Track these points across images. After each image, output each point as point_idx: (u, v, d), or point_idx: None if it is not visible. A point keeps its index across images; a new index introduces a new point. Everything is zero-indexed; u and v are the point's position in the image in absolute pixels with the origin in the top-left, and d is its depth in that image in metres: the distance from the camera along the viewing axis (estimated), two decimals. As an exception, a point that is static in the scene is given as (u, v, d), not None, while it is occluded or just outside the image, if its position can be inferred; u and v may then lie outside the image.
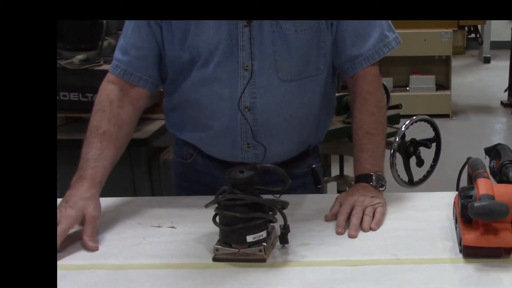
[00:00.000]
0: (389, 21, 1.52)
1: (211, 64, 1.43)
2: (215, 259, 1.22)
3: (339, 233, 1.31)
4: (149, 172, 2.41)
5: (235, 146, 1.49)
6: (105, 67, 2.29)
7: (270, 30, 1.41)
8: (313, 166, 1.63)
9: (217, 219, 1.23)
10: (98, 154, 1.39)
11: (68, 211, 1.28)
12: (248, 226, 1.18)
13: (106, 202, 1.53)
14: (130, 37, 1.48)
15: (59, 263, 1.21)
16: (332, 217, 1.37)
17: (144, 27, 1.46)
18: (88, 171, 1.36)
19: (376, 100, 1.50)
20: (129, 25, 1.49)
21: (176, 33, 1.44)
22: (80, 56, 2.32)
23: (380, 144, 1.48)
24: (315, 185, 1.63)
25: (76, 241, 1.33)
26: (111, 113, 1.44)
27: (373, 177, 1.43)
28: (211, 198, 1.54)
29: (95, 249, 1.27)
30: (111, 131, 1.42)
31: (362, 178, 1.44)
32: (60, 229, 1.25)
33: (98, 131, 1.41)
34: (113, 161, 1.43)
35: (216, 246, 1.22)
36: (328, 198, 1.50)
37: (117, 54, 1.50)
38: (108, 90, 1.48)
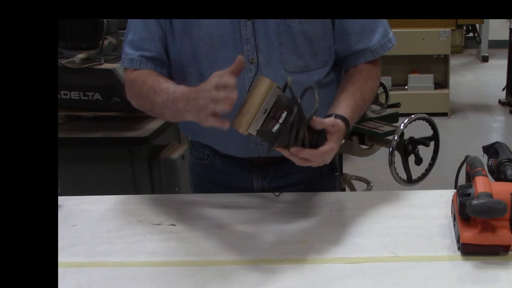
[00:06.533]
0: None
1: (215, 58, 1.42)
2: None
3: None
4: (150, 170, 2.41)
5: (249, 140, 1.48)
6: (105, 65, 2.30)
7: (274, 23, 1.41)
8: None
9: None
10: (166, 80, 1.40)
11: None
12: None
13: (107, 200, 1.54)
14: (141, 31, 1.46)
15: (60, 260, 1.21)
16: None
17: (152, 20, 1.44)
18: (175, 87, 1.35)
19: (371, 84, 1.48)
20: (137, 20, 1.47)
21: (177, 26, 1.44)
22: (81, 55, 2.33)
23: (361, 110, 1.44)
24: (332, 173, 1.62)
25: (76, 239, 1.34)
26: (149, 75, 1.44)
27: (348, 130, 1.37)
28: (211, 197, 1.55)
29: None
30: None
31: (345, 121, 1.36)
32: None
33: (154, 85, 1.40)
34: None
35: None
36: (327, 197, 1.51)
37: (128, 49, 1.48)
38: (135, 74, 1.46)
